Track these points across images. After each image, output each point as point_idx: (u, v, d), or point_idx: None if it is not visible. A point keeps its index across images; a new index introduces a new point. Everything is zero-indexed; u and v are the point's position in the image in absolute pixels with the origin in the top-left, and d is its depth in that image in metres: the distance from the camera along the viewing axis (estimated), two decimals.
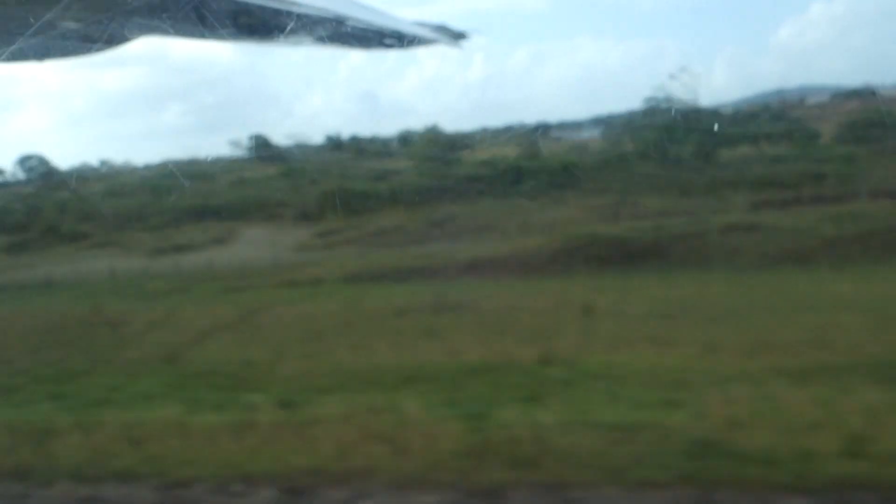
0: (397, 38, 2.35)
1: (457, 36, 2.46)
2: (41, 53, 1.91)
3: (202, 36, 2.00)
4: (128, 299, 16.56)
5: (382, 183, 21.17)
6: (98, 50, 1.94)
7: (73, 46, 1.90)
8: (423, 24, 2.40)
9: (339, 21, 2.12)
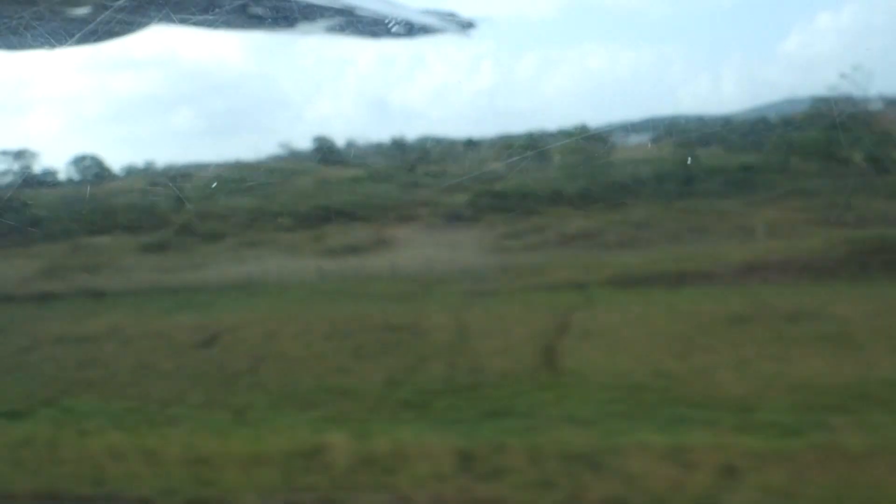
0: (406, 27, 2.36)
1: (465, 25, 2.46)
2: (54, 41, 1.93)
3: (213, 25, 2.02)
4: (367, 302, 14.78)
5: (537, 183, 20.78)
6: (110, 38, 1.96)
7: (85, 35, 1.92)
8: (432, 13, 2.41)
9: (348, 10, 2.14)
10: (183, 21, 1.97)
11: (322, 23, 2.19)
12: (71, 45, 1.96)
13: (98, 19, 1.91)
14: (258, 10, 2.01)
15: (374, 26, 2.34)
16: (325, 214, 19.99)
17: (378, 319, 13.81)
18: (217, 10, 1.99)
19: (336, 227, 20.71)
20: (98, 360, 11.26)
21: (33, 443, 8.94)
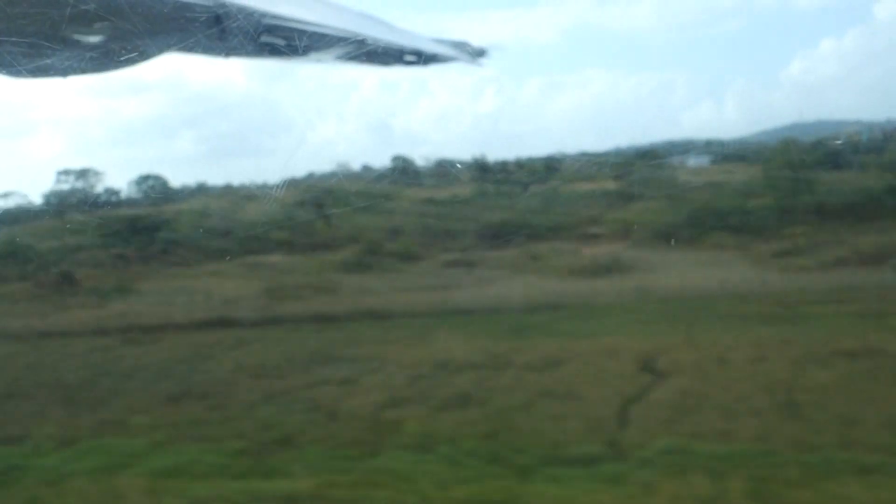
0: (417, 56, 2.36)
1: (476, 53, 2.46)
2: (65, 69, 1.94)
3: (225, 54, 2.02)
4: (758, 324, 13.61)
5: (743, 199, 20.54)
6: (122, 66, 1.96)
7: (96, 63, 1.92)
8: (442, 42, 2.41)
9: (359, 40, 2.14)
10: (194, 50, 1.97)
11: (333, 51, 2.19)
12: (83, 73, 1.97)
13: (109, 48, 1.91)
14: (269, 39, 2.01)
15: (385, 55, 2.34)
16: (510, 232, 19.14)
17: (820, 343, 11.91)
18: (229, 39, 1.99)
19: (539, 245, 19.54)
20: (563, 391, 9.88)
21: None
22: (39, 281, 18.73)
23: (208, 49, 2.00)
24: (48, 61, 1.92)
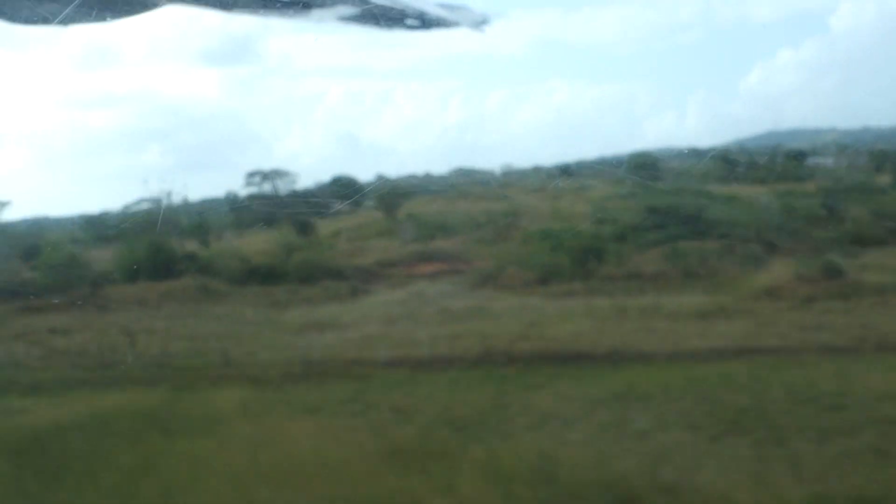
0: (420, 19, 2.34)
1: (479, 20, 2.45)
2: (66, 17, 1.90)
3: (227, 7, 1.99)
4: None
5: None
6: (124, 16, 1.93)
7: (98, 11, 1.89)
8: (445, 6, 2.39)
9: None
10: (198, 1, 1.94)
11: (336, 10, 2.17)
12: (83, 22, 1.94)
13: None
14: None
15: (387, 18, 2.33)
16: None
17: None
18: None
19: None
20: None
21: None
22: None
23: (212, 1, 1.97)
24: (48, 8, 1.88)
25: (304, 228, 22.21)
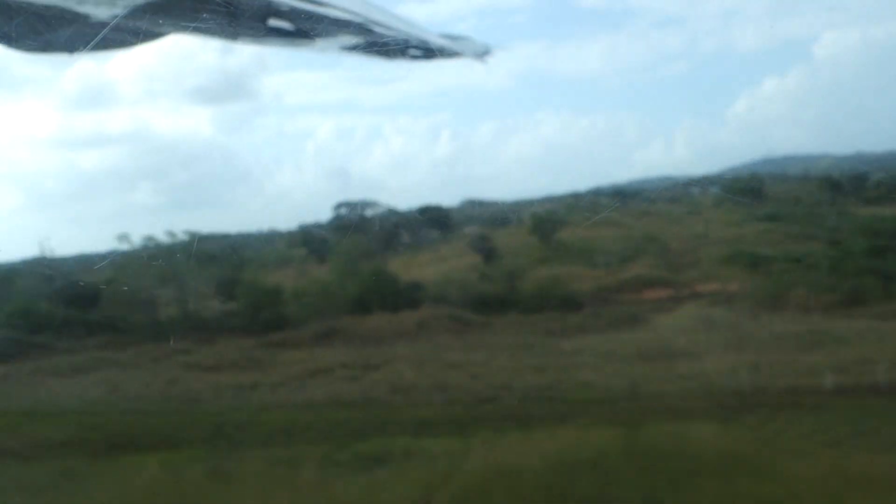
0: (422, 49, 2.37)
1: (481, 51, 2.48)
2: (72, 45, 1.93)
3: (233, 37, 2.02)
4: None
5: None
6: (130, 45, 1.96)
7: (104, 40, 1.92)
8: (448, 37, 2.42)
9: (366, 28, 2.15)
10: (199, 31, 1.97)
11: (339, 40, 2.20)
12: (90, 50, 1.96)
13: (117, 25, 1.91)
14: (277, 23, 2.02)
15: (390, 49, 2.35)
16: None
17: None
18: (237, 21, 2.00)
19: None
20: None
21: None
22: None
23: (217, 31, 2.00)
24: (55, 36, 1.92)
25: (489, 254, 22.01)
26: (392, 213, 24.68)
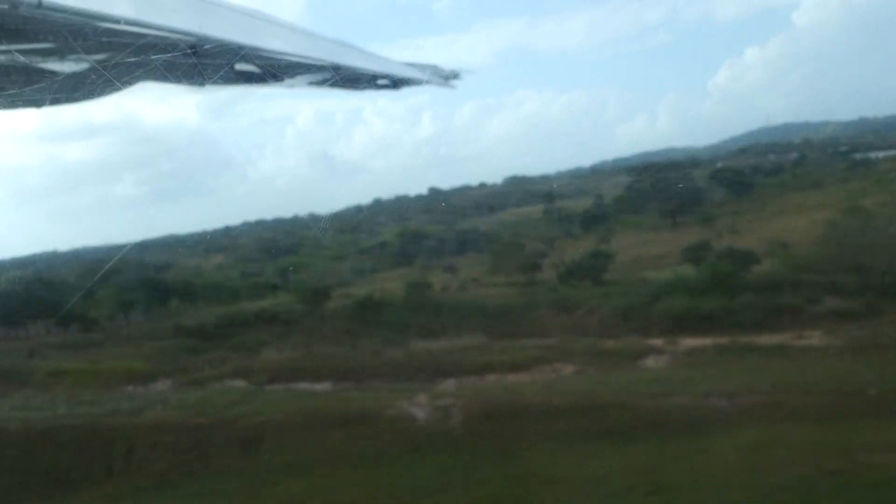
0: (390, 80, 2.40)
1: (449, 76, 2.51)
2: (39, 100, 1.94)
3: (200, 83, 2.04)
4: None
5: None
6: (98, 96, 1.97)
7: (73, 93, 1.93)
8: (414, 66, 2.45)
9: (333, 66, 2.18)
10: (172, 80, 1.99)
11: (307, 77, 2.22)
12: (59, 103, 1.97)
13: (86, 78, 1.92)
14: (245, 67, 2.04)
15: (359, 80, 2.38)
16: None
17: None
18: (205, 68, 2.02)
19: None
20: None
21: None
22: None
23: (185, 78, 2.02)
24: (23, 91, 1.92)
25: None
26: None
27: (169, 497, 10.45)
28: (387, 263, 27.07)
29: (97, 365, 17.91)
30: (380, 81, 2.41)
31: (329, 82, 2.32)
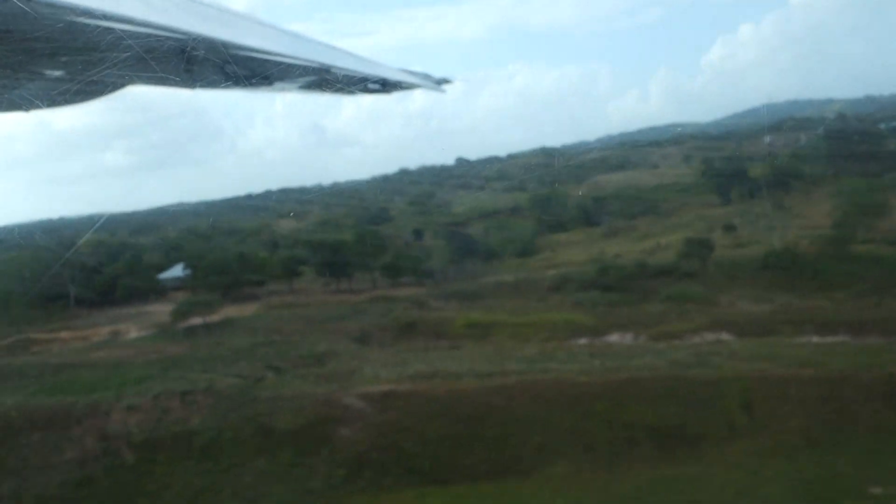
0: (380, 84, 2.40)
1: (440, 82, 2.52)
2: (28, 104, 1.93)
3: (191, 85, 2.03)
4: None
5: None
6: (87, 99, 1.96)
7: (60, 96, 1.91)
8: (405, 71, 2.46)
9: (323, 69, 2.17)
10: (160, 82, 1.98)
11: (298, 81, 2.22)
12: (46, 107, 1.96)
13: (74, 80, 1.91)
14: (235, 70, 2.04)
15: (349, 84, 2.38)
16: None
17: None
18: (195, 70, 2.01)
19: None
20: None
21: None
22: None
23: (174, 80, 2.01)
24: (9, 95, 1.91)
25: None
26: None
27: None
28: (569, 225, 28.25)
29: (522, 318, 17.57)
30: (370, 85, 2.40)
31: (319, 85, 2.31)
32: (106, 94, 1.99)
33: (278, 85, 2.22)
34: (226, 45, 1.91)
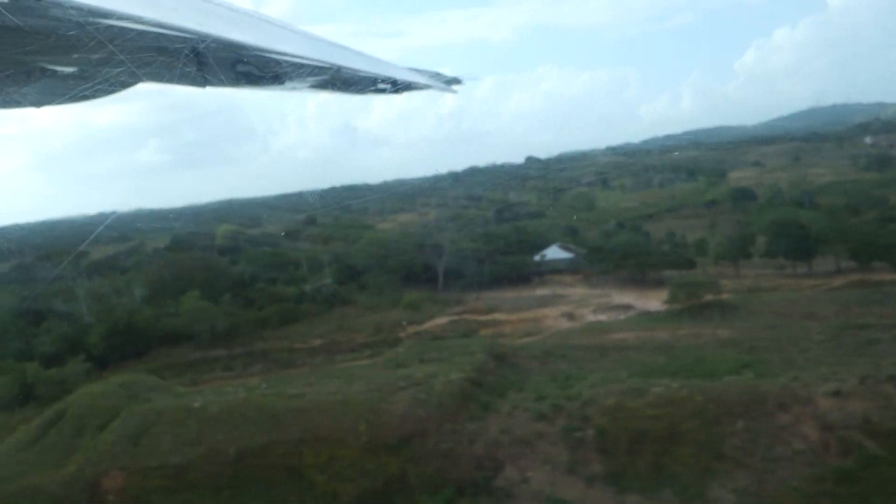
0: (391, 83, 2.39)
1: (451, 82, 2.50)
2: (39, 100, 1.93)
3: (202, 83, 2.03)
4: None
5: None
6: (97, 96, 1.96)
7: (71, 92, 1.91)
8: (417, 71, 2.44)
9: (334, 68, 2.17)
10: (171, 80, 1.97)
11: (308, 80, 2.21)
12: (57, 104, 1.96)
13: (85, 77, 1.91)
14: (246, 69, 2.03)
15: (360, 83, 2.37)
16: None
17: None
18: (205, 69, 2.00)
19: None
20: None
21: None
22: None
23: (185, 79, 2.01)
24: (21, 92, 1.91)
25: None
26: None
27: None
28: None
29: None
30: (381, 85, 2.39)
31: (330, 85, 2.30)
32: (117, 91, 1.99)
33: (289, 84, 2.21)
34: (237, 45, 1.91)
